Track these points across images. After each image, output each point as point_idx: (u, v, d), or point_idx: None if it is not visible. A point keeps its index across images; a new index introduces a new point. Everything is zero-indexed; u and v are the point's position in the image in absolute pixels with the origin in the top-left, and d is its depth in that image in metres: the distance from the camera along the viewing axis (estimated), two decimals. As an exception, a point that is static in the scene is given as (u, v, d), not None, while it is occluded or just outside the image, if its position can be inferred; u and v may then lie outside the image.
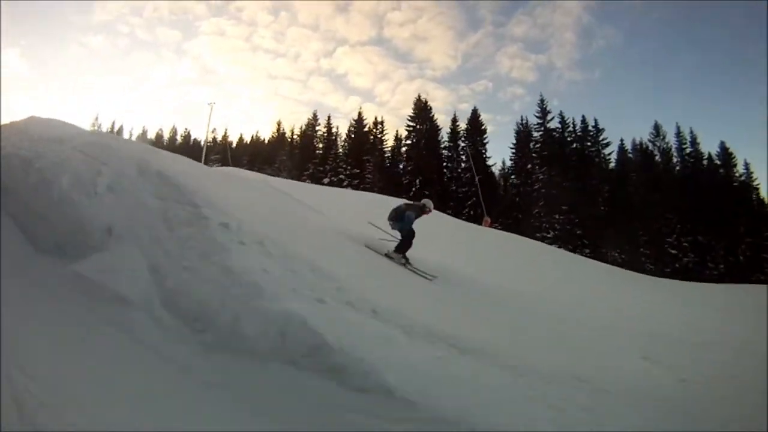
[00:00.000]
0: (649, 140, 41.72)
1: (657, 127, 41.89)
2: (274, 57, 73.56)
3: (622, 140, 42.57)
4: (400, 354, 3.23)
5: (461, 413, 2.72)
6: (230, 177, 10.00)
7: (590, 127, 41.87)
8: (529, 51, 79.71)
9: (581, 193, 38.16)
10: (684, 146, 42.06)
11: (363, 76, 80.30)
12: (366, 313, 3.75)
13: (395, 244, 7.31)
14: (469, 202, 38.64)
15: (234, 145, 50.18)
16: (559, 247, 36.47)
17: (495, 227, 36.65)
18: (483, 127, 40.68)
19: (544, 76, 68.06)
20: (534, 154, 39.56)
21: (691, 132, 42.23)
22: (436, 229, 16.80)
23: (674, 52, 64.15)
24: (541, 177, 38.39)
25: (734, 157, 44.07)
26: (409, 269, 6.94)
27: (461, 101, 73.68)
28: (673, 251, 39.56)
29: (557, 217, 37.69)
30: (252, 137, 48.85)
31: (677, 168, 42.19)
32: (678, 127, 42.01)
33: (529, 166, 39.37)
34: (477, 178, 38.02)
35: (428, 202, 7.75)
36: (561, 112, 40.07)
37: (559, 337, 5.30)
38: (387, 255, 7.13)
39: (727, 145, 43.51)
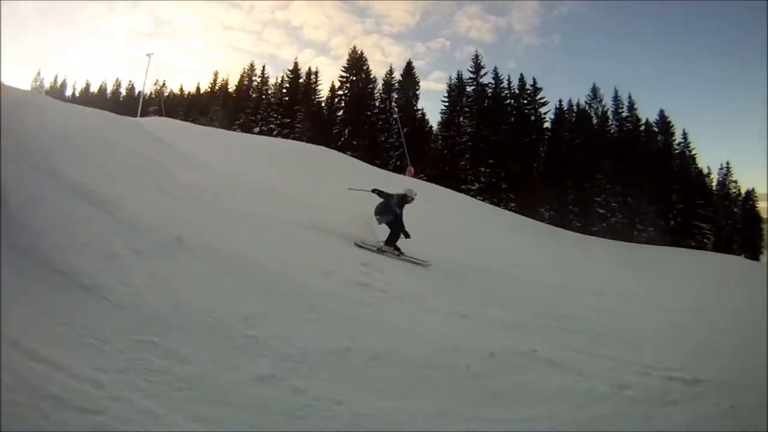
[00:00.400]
0: (586, 102, 41.40)
1: (594, 90, 41.60)
2: (229, 7, 70.94)
3: (560, 101, 42.23)
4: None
5: None
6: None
7: (528, 86, 41.45)
8: (489, 12, 79.52)
9: (512, 148, 37.81)
10: (620, 110, 41.82)
11: (319, 29, 78.29)
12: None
13: (385, 238, 7.51)
14: (396, 153, 38.11)
15: (176, 96, 49.01)
16: (483, 200, 36.20)
17: (421, 178, 36.38)
18: (416, 80, 40.04)
19: (502, 39, 67.45)
20: (466, 108, 39.06)
21: (629, 97, 42.02)
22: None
23: (633, 24, 64.05)
24: (469, 130, 37.95)
25: (672, 126, 44.03)
26: (403, 259, 7.20)
27: (417, 58, 72.69)
28: (601, 210, 39.41)
29: (483, 170, 37.32)
30: (194, 89, 47.60)
31: (613, 131, 41.97)
32: (616, 91, 41.76)
33: (460, 119, 38.90)
34: (402, 130, 37.74)
35: (410, 191, 7.86)
36: (495, 68, 39.63)
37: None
38: (379, 249, 7.31)
39: (667, 114, 43.44)
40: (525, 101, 41.29)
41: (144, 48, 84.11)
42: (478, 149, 37.33)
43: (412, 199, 7.68)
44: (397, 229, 7.41)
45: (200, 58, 71.65)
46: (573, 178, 39.48)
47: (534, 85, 41.44)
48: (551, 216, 38.62)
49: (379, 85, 40.46)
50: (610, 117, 41.70)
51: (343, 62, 40.63)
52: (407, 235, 7.43)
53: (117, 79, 52.68)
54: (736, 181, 48.73)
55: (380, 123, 39.00)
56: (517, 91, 40.95)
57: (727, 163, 47.71)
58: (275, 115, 40.72)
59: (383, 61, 71.05)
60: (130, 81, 52.42)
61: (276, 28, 71.39)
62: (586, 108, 41.25)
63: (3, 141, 3.96)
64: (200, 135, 23.57)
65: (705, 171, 46.49)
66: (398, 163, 37.31)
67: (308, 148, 30.40)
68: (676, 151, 44.30)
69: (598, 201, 39.46)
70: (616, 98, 41.68)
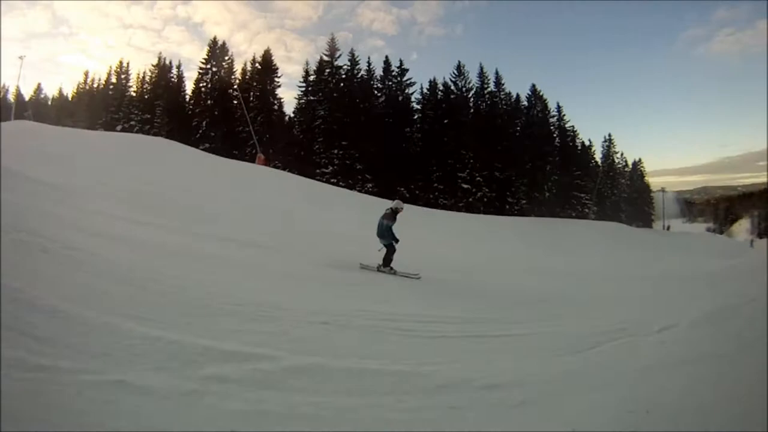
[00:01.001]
0: (451, 80, 41.35)
1: (459, 67, 41.55)
2: (129, 4, 70.00)
3: (431, 81, 42.12)
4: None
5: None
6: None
7: (393, 68, 41.42)
8: (393, 5, 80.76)
9: (371, 130, 37.58)
10: (486, 86, 41.79)
11: (221, 25, 77.56)
12: None
13: (383, 257, 7.94)
14: (251, 142, 37.94)
15: (57, 99, 48.80)
16: (338, 183, 35.97)
17: (275, 165, 36.12)
18: (275, 67, 39.93)
19: (406, 31, 68.25)
20: (320, 93, 38.99)
21: (497, 73, 42.01)
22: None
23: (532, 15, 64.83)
24: (322, 113, 37.82)
25: (545, 100, 44.09)
26: (399, 275, 7.64)
27: (319, 51, 73.13)
28: (465, 186, 39.25)
29: (336, 152, 37.12)
30: (74, 90, 47.36)
31: (481, 107, 41.90)
32: (481, 68, 41.73)
33: (314, 103, 38.80)
34: (248, 115, 37.63)
35: (397, 203, 8.28)
36: (351, 50, 39.57)
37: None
38: (379, 269, 7.81)
39: (538, 88, 43.50)
40: (391, 83, 41.26)
41: (42, 49, 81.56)
42: (331, 132, 37.16)
43: (401, 208, 8.23)
44: (392, 249, 7.90)
45: (98, 59, 70.01)
46: (436, 156, 39.32)
47: (400, 66, 41.45)
48: (418, 195, 38.46)
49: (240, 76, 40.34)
50: (472, 94, 41.58)
51: (245, 59, 40.70)
52: (396, 240, 7.95)
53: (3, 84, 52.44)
54: (621, 153, 48.80)
55: (239, 113, 38.84)
56: (382, 74, 40.92)
57: (609, 135, 47.71)
58: (136, 112, 40.55)
59: (286, 56, 70.92)
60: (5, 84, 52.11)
61: (177, 25, 70.51)
62: (451, 85, 41.20)
63: None
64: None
65: (587, 143, 46.66)
66: (253, 152, 37.13)
67: (138, 140, 30.28)
68: (552, 125, 44.35)
69: (462, 176, 39.30)
70: (481, 74, 41.67)
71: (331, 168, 36.91)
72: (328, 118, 37.21)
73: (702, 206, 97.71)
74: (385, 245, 7.92)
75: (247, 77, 39.67)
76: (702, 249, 30.19)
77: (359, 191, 35.32)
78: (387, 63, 41.28)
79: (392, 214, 7.97)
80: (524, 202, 41.07)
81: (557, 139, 43.91)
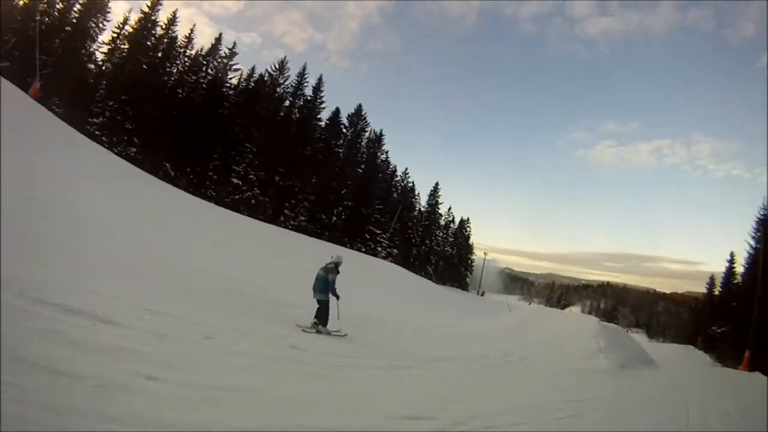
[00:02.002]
0: (269, 73, 40.32)
1: (282, 63, 40.55)
2: None
3: (251, 69, 41.18)
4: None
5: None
6: None
7: (224, 49, 40.68)
8: (309, 24, 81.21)
9: (158, 92, 36.36)
10: (303, 88, 40.55)
11: None
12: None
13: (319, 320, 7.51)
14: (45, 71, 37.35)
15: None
16: (101, 137, 34.43)
17: (54, 104, 35.16)
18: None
19: (313, 52, 69.38)
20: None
21: (320, 80, 40.79)
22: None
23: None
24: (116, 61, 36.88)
25: (368, 124, 42.60)
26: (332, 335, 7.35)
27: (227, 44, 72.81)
28: (236, 181, 37.50)
29: (111, 104, 35.93)
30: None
31: (293, 109, 40.49)
32: (304, 68, 40.63)
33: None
34: (38, 42, 37.10)
35: (338, 256, 8.10)
36: (176, 10, 38.86)
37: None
38: (318, 331, 7.33)
39: (364, 110, 42.09)
40: (216, 62, 40.40)
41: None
42: (116, 82, 36.27)
43: (341, 262, 7.98)
44: (329, 307, 7.59)
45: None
46: (223, 144, 37.89)
47: (232, 48, 40.60)
48: (191, 181, 36.92)
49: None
50: (283, 91, 40.15)
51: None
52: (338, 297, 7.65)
53: None
54: (449, 208, 46.71)
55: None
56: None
57: (437, 184, 45.88)
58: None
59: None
60: None
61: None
62: (266, 78, 40.07)
63: None
64: None
65: (409, 185, 44.63)
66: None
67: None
68: (364, 153, 42.45)
69: (236, 170, 37.65)
70: (302, 74, 40.49)
71: (101, 119, 35.85)
72: (121, 68, 36.40)
73: (542, 289, 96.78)
74: (320, 301, 7.50)
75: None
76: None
77: (117, 153, 33.82)
78: (218, 40, 40.56)
79: (335, 268, 7.69)
80: (303, 218, 38.92)
81: (363, 167, 41.78)
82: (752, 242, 20.41)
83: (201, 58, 40.04)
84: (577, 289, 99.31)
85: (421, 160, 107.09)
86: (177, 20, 38.65)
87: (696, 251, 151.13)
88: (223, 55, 40.61)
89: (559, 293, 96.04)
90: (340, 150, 40.50)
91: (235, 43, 40.05)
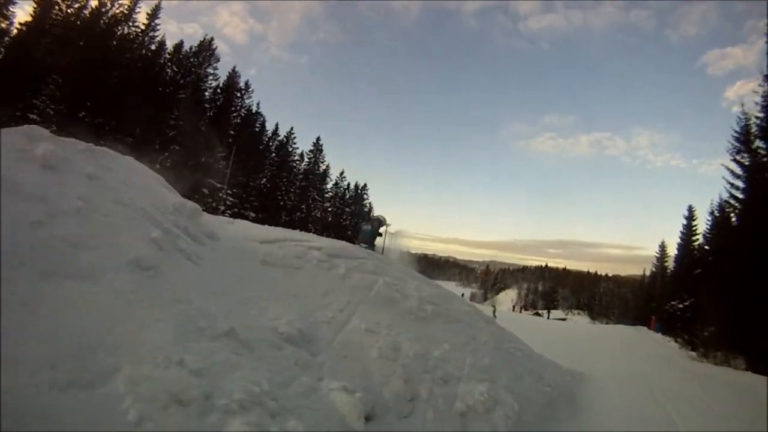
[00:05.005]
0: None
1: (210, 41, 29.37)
2: None
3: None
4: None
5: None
6: None
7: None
8: (251, 15, 77.02)
9: None
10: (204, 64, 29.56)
11: None
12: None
13: None
14: None
15: None
16: None
17: None
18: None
19: (254, 44, 62.84)
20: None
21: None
22: None
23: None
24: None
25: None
26: None
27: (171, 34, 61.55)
28: (34, 117, 25.26)
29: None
30: None
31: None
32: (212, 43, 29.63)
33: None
34: None
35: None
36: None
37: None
38: None
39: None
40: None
41: None
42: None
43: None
44: None
45: None
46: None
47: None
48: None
49: None
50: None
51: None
52: None
53: None
54: (342, 172, 37.83)
55: None
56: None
57: (318, 138, 36.80)
58: None
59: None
60: None
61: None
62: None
63: None
64: None
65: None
66: None
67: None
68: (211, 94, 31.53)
69: (37, 105, 25.38)
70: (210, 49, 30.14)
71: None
72: None
73: (481, 276, 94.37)
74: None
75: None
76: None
77: None
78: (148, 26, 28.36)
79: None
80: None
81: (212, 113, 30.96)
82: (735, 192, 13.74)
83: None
84: (514, 272, 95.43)
85: (360, 156, 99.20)
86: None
87: (635, 237, 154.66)
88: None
89: (495, 277, 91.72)
90: (182, 92, 29.32)
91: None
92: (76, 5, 27.03)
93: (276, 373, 2.60)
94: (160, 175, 5.63)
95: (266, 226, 6.01)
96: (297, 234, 6.01)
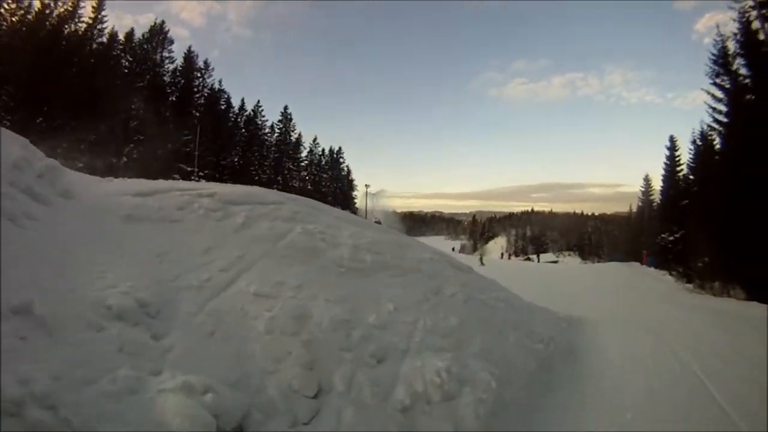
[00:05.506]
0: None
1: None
2: None
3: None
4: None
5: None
6: None
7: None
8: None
9: None
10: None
11: None
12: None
13: None
14: None
15: None
16: None
17: None
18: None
19: (213, 25, 60.44)
20: None
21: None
22: None
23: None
24: None
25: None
26: None
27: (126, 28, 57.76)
28: None
29: None
30: None
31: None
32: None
33: None
34: None
35: None
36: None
37: None
38: None
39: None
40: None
41: None
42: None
43: None
44: None
45: None
46: None
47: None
48: None
49: None
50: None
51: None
52: None
53: None
54: (315, 139, 36.64)
55: None
56: None
57: (286, 108, 35.11)
58: None
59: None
60: None
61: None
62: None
63: None
64: None
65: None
66: None
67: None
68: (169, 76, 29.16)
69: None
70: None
71: None
72: None
73: (469, 227, 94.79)
74: None
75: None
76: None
77: None
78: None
79: None
80: (81, 165, 25.01)
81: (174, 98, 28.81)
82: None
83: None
84: (501, 220, 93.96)
85: (333, 121, 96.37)
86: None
87: (618, 174, 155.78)
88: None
89: (482, 227, 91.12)
90: (139, 80, 27.15)
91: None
92: (20, 12, 24.28)
93: (79, 365, 1.80)
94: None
95: (158, 180, 4.64)
96: (194, 184, 4.80)
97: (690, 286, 13.19)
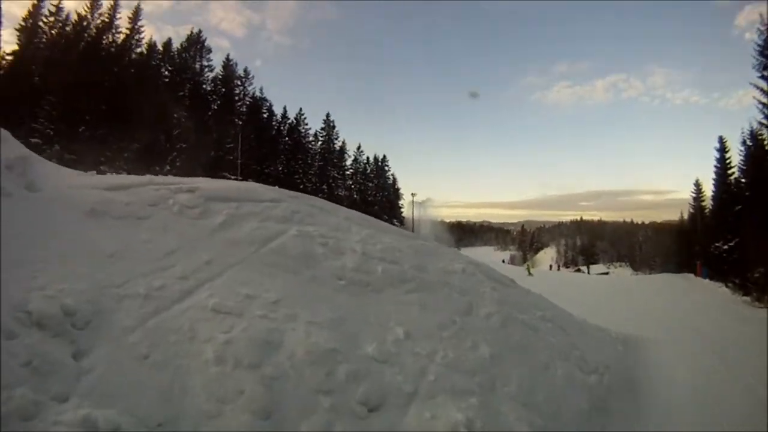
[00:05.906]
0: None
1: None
2: None
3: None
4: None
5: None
6: None
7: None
8: (246, 6, 77.47)
9: None
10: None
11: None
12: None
13: None
14: None
15: None
16: None
17: None
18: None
19: (253, 35, 64.06)
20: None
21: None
22: None
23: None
24: None
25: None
26: None
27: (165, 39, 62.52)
28: (35, 141, 25.07)
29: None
30: None
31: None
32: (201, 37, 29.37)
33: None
34: None
35: None
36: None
37: None
38: None
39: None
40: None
41: None
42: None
43: None
44: None
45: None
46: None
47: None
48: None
49: None
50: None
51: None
52: None
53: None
54: (359, 147, 37.09)
55: None
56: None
57: (328, 115, 35.93)
58: None
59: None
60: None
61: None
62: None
63: None
64: None
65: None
66: None
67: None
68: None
69: (37, 128, 25.22)
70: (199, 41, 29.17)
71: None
72: None
73: (517, 237, 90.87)
74: None
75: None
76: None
77: None
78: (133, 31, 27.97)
79: None
80: (124, 171, 26.95)
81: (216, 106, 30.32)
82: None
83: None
84: (550, 229, 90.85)
85: (376, 130, 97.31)
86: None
87: (667, 180, 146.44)
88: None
89: (531, 237, 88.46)
90: (180, 90, 28.78)
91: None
92: (59, 25, 26.48)
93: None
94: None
95: (147, 176, 4.36)
96: (177, 179, 4.40)
97: (747, 298, 12.42)
